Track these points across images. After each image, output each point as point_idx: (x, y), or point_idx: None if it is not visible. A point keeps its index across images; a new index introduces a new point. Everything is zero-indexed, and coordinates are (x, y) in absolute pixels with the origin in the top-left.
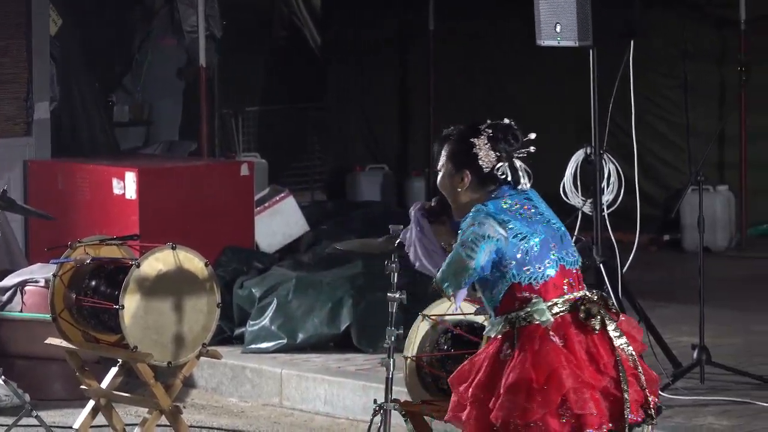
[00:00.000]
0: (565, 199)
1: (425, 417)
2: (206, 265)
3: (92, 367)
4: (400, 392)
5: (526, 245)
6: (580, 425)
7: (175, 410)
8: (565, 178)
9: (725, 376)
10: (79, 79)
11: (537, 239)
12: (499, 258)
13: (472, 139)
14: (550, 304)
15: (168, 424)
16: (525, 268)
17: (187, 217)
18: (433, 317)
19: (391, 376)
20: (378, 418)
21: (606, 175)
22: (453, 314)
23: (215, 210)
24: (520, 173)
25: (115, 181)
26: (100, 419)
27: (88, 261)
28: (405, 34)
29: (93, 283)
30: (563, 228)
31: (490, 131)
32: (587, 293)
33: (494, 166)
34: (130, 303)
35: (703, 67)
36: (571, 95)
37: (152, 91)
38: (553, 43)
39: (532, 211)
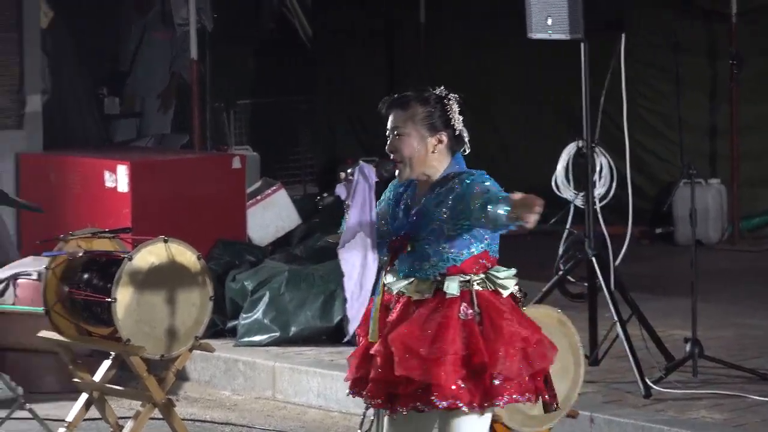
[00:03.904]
0: (557, 192)
1: None
2: (199, 258)
3: (85, 360)
4: None
5: None
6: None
7: (168, 403)
8: (557, 171)
9: (718, 369)
10: (71, 71)
11: None
12: None
13: (444, 102)
14: None
15: (161, 417)
16: (495, 242)
17: (179, 210)
18: None
19: None
20: (371, 412)
21: (598, 169)
22: None
23: (207, 203)
24: (466, 141)
25: (107, 174)
26: (93, 412)
27: (80, 254)
28: (396, 27)
29: (86, 276)
30: None
31: (457, 96)
32: None
33: (461, 129)
34: (123, 296)
35: (694, 60)
36: (562, 88)
37: (144, 84)
38: (544, 36)
39: None
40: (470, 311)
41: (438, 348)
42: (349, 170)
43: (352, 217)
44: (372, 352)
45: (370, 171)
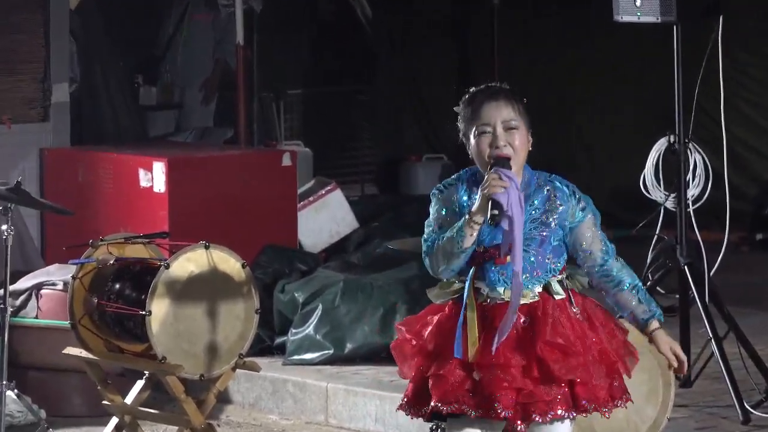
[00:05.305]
0: (645, 193)
1: None
2: (243, 266)
3: (115, 380)
4: None
5: None
6: None
7: (208, 428)
8: (645, 170)
9: None
10: (102, 57)
11: None
12: None
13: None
14: None
15: None
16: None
17: (223, 212)
18: None
19: None
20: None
21: (691, 167)
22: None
23: (254, 205)
24: None
25: (141, 172)
26: None
27: (111, 261)
28: (466, 11)
29: (117, 286)
30: None
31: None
32: None
33: None
34: (159, 308)
35: None
36: (651, 77)
37: (184, 71)
38: (633, 18)
39: None
40: (575, 309)
41: (583, 346)
42: (494, 175)
43: (517, 228)
44: (513, 365)
45: (512, 173)
